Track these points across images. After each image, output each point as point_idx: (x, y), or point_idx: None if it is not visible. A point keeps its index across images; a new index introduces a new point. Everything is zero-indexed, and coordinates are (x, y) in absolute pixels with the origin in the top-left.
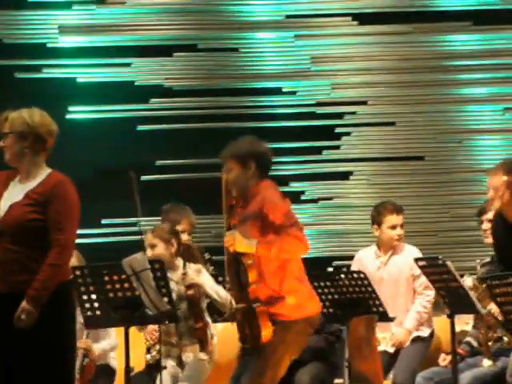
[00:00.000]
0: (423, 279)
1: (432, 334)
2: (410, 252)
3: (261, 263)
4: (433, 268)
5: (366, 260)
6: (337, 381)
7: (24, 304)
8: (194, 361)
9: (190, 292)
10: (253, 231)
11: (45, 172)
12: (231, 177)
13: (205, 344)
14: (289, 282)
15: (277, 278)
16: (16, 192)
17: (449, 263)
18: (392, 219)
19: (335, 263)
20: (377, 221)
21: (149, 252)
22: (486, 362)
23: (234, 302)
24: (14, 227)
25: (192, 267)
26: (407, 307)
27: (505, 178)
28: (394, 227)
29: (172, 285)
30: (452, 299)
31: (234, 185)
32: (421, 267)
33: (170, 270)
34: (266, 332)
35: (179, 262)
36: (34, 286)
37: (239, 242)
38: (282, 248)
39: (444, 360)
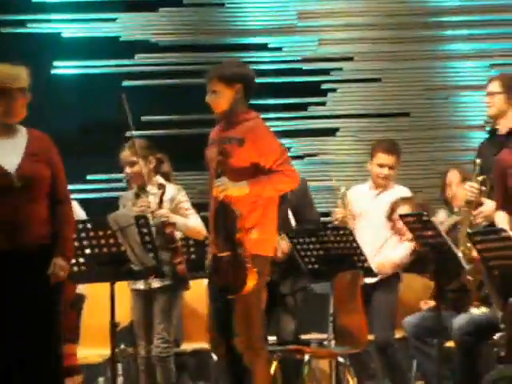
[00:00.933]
0: None
1: (399, 277)
2: (400, 190)
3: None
4: (417, 224)
5: (359, 193)
6: (321, 335)
7: (58, 260)
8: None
9: (168, 230)
10: (233, 156)
11: (21, 127)
12: (216, 98)
13: (186, 280)
14: (263, 214)
15: (251, 212)
16: (7, 147)
17: (433, 219)
18: (380, 157)
19: (322, 219)
20: (371, 155)
21: (127, 169)
22: (474, 310)
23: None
24: (33, 182)
25: (171, 188)
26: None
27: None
28: (381, 166)
29: (150, 198)
30: (436, 255)
31: (219, 107)
32: (405, 223)
33: (149, 185)
34: (251, 281)
35: (158, 179)
36: (63, 242)
37: (231, 187)
38: (276, 187)
39: (425, 304)
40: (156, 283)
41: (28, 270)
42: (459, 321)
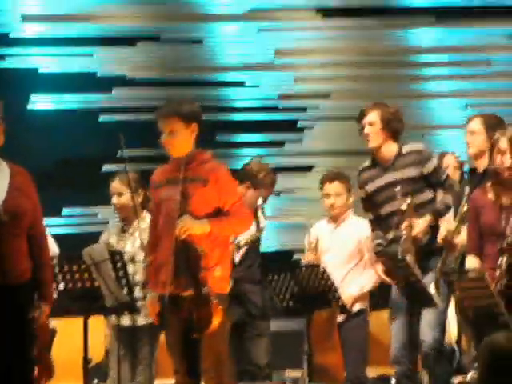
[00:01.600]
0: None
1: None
2: (356, 225)
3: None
4: (391, 262)
5: (319, 230)
6: (296, 374)
7: (42, 305)
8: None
9: None
10: (195, 195)
11: (1, 161)
12: (173, 139)
13: None
14: (222, 252)
15: (213, 250)
16: None
17: (407, 258)
18: (325, 188)
19: (296, 256)
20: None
21: (114, 199)
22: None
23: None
24: (18, 216)
25: None
26: (347, 277)
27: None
28: (327, 195)
29: (142, 235)
30: (411, 294)
31: (178, 149)
32: (379, 261)
33: (139, 220)
34: (217, 319)
35: (145, 214)
36: (45, 285)
37: (194, 226)
38: (233, 228)
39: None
40: (142, 320)
41: (12, 306)
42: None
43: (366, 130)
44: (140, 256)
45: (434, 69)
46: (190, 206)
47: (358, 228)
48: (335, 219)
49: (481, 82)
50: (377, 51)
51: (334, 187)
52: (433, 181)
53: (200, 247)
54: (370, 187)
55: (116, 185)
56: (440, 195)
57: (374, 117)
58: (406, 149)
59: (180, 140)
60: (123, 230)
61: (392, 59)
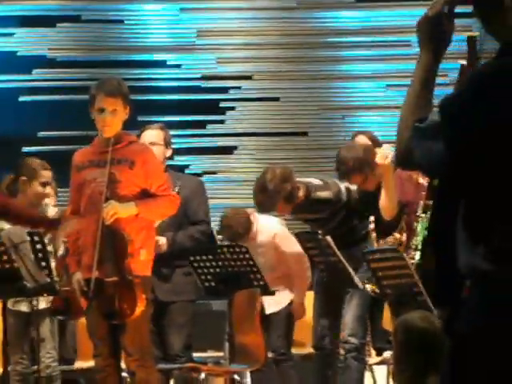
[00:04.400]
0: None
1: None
2: (267, 224)
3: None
4: (312, 243)
5: None
6: (217, 354)
7: None
8: None
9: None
10: (122, 178)
11: None
12: (113, 118)
13: None
14: (147, 235)
15: (138, 234)
16: None
17: (328, 238)
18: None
19: (218, 237)
20: None
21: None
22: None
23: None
24: None
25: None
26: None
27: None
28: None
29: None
30: (331, 274)
31: (114, 128)
32: (300, 241)
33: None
34: (140, 307)
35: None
36: None
37: (120, 210)
38: (161, 211)
39: None
40: (43, 304)
41: None
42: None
43: None
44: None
45: (354, 50)
46: (117, 188)
47: (269, 235)
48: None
49: (400, 63)
50: (298, 32)
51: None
52: None
53: (126, 234)
54: None
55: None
56: None
57: None
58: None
59: (118, 120)
60: None
61: (313, 40)
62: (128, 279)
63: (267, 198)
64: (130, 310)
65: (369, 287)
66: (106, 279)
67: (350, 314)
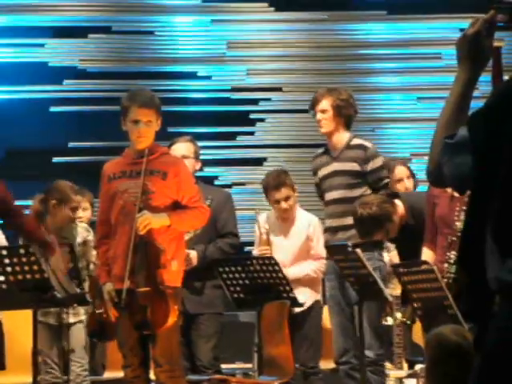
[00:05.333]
0: (320, 246)
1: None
2: (304, 220)
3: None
4: (341, 255)
5: (269, 224)
6: (246, 365)
7: None
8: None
9: None
10: (155, 189)
11: None
12: (148, 129)
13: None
14: (178, 245)
15: (169, 245)
16: None
17: (358, 250)
18: (272, 195)
19: (247, 248)
20: (266, 197)
21: (80, 213)
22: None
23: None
24: None
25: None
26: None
27: None
28: (276, 202)
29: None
30: (361, 287)
31: (148, 139)
32: (330, 254)
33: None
34: (173, 318)
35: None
36: None
37: (154, 220)
38: (192, 223)
39: None
40: (71, 318)
41: None
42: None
43: (319, 116)
44: None
45: (385, 63)
46: (149, 199)
47: (306, 223)
48: (285, 218)
49: (431, 76)
50: (328, 45)
51: (282, 194)
52: (370, 180)
53: (160, 244)
54: (319, 174)
55: (79, 199)
56: None
57: (325, 104)
58: (354, 141)
59: (152, 131)
60: None
61: (343, 52)
62: (161, 290)
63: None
64: (162, 320)
65: (399, 315)
66: (138, 289)
67: (363, 327)
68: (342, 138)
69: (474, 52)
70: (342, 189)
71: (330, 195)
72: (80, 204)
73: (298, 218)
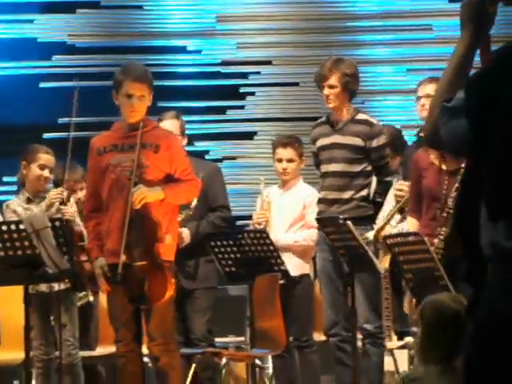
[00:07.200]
0: (313, 216)
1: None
2: (303, 191)
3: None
4: (332, 227)
5: (271, 193)
6: (238, 338)
7: None
8: None
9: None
10: (150, 163)
11: None
12: (141, 103)
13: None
14: (171, 219)
15: (163, 218)
16: None
17: (349, 222)
18: (278, 152)
19: (239, 223)
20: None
21: (47, 173)
22: None
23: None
24: None
25: None
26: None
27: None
28: (279, 160)
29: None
30: (351, 259)
31: (141, 113)
32: (321, 225)
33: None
34: (170, 292)
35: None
36: None
37: (149, 194)
38: (186, 196)
39: None
40: (61, 285)
41: None
42: None
43: (326, 91)
44: None
45: (375, 34)
46: (143, 173)
47: (304, 194)
48: (284, 184)
49: (422, 47)
50: (318, 17)
51: (287, 153)
52: (373, 157)
53: (155, 217)
54: (318, 144)
55: (52, 159)
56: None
57: (334, 80)
58: (360, 116)
59: (145, 106)
60: (29, 201)
61: (333, 25)
62: (159, 263)
63: None
64: (160, 294)
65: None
66: (135, 263)
67: (359, 300)
68: (346, 111)
69: (478, 17)
70: (341, 162)
71: (329, 167)
72: (50, 164)
73: (298, 187)
